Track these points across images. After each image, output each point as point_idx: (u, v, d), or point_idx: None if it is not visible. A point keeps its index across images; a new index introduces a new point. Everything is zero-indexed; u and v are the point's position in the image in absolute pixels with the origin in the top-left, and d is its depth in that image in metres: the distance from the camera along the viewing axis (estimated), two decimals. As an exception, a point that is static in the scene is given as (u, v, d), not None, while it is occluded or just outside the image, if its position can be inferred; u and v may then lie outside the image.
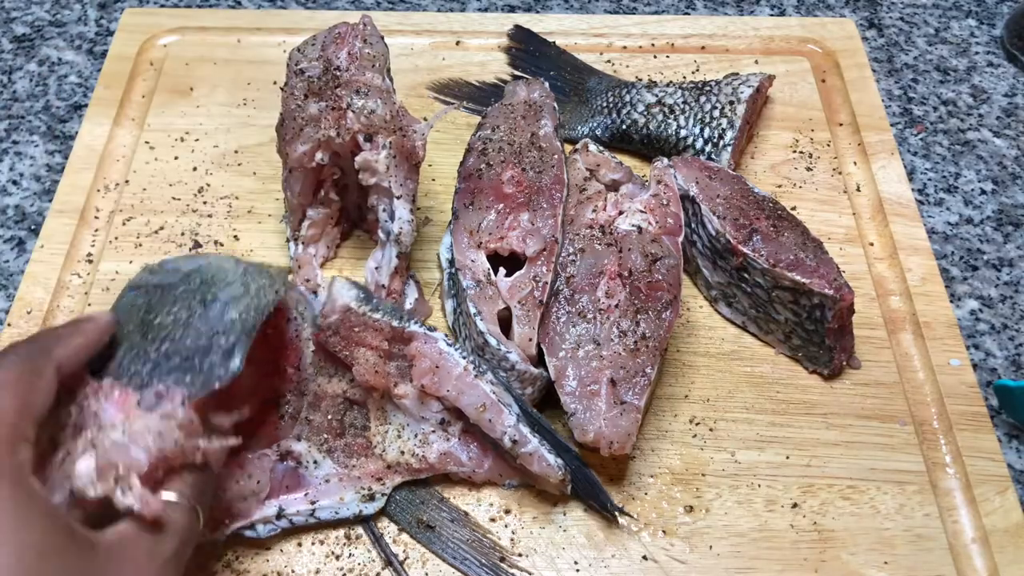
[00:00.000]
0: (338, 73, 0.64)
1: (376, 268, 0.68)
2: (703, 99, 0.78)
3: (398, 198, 0.65)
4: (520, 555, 0.58)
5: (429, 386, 0.58)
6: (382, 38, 0.67)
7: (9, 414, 0.41)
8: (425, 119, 0.65)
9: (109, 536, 0.43)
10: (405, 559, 0.58)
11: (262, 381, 0.59)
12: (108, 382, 0.48)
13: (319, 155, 0.65)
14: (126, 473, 0.45)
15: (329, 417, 0.60)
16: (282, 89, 0.67)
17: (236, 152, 0.80)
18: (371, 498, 0.58)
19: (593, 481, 0.59)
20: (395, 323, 0.58)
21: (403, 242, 0.66)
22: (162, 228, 0.75)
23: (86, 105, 0.84)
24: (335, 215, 0.72)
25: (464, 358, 0.58)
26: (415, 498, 0.60)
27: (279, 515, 0.57)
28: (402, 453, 0.59)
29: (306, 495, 0.58)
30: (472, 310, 0.62)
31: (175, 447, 0.46)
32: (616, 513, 0.59)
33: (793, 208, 0.75)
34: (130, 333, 0.51)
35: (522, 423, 0.57)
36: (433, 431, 0.59)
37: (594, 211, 0.67)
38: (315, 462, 0.59)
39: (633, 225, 0.65)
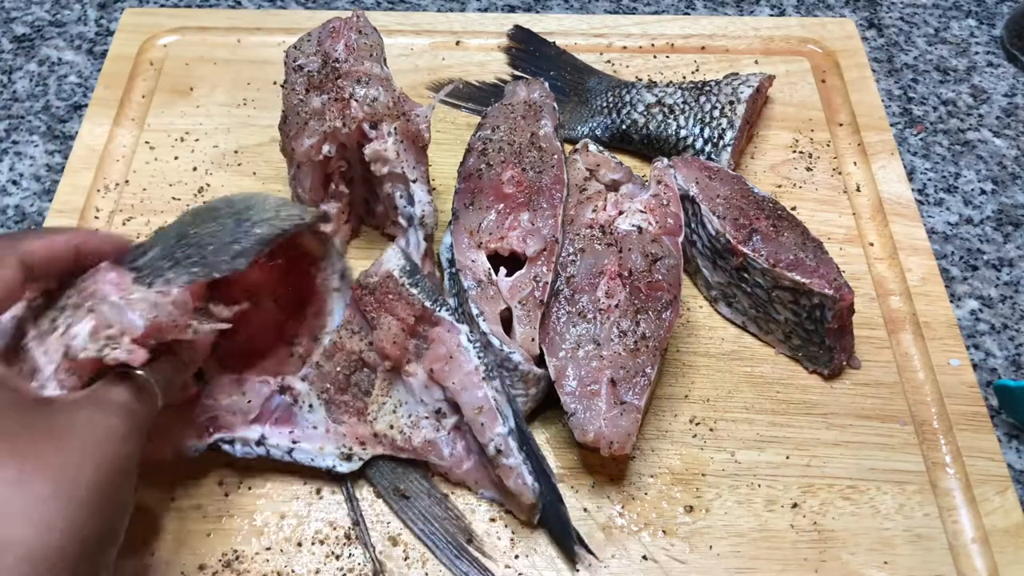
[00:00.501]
0: (337, 65, 0.65)
1: None
2: (703, 99, 0.78)
3: (414, 182, 0.66)
4: (519, 555, 0.58)
5: (437, 372, 0.59)
6: (375, 29, 0.68)
7: None
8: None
9: (67, 396, 0.45)
10: (405, 558, 0.58)
11: (284, 320, 0.62)
12: (105, 265, 0.50)
13: (326, 147, 0.66)
14: (119, 334, 0.47)
15: (339, 370, 0.61)
16: (282, 87, 0.67)
17: (236, 152, 0.81)
18: (348, 458, 0.60)
19: (564, 519, 0.58)
20: (427, 303, 0.60)
21: (427, 223, 0.67)
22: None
23: (86, 105, 0.84)
24: (346, 209, 0.72)
25: (479, 358, 0.58)
26: (398, 467, 0.61)
27: (259, 441, 0.59)
28: (391, 427, 0.60)
29: (291, 432, 0.60)
30: (475, 311, 0.62)
31: (168, 318, 0.49)
32: (574, 559, 0.57)
33: (793, 208, 0.75)
34: (168, 238, 0.54)
35: (512, 438, 0.57)
36: (427, 417, 0.60)
37: (594, 211, 0.67)
38: (310, 406, 0.60)
39: (633, 225, 0.65)
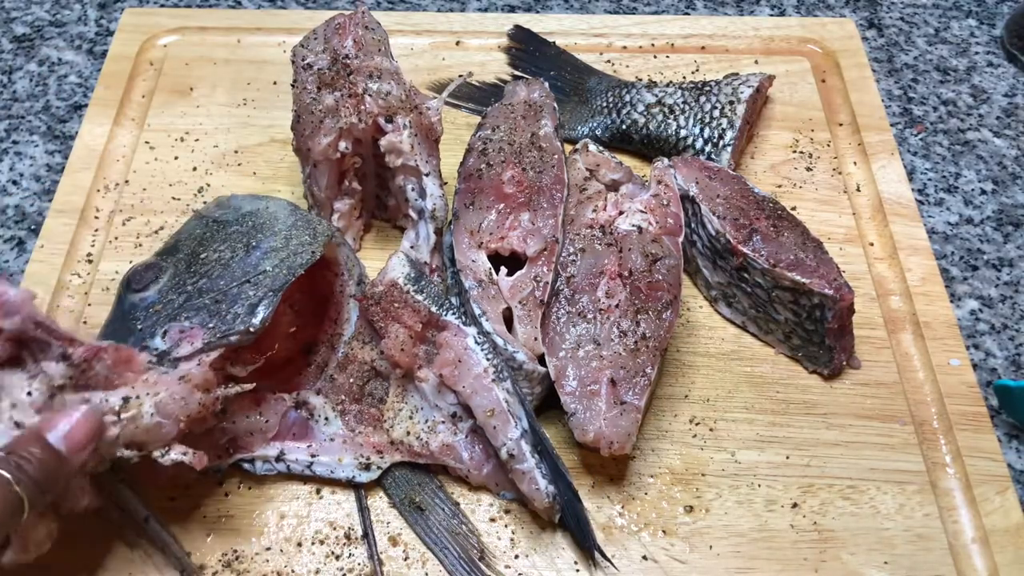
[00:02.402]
0: (348, 61, 0.66)
1: (412, 247, 0.69)
2: (703, 99, 0.78)
3: (427, 175, 0.67)
4: (519, 555, 0.58)
5: (448, 377, 0.59)
6: (380, 23, 0.68)
7: None
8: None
9: None
10: (405, 558, 0.58)
11: (301, 326, 0.62)
12: (110, 346, 0.50)
13: (342, 144, 0.66)
14: (158, 443, 0.49)
15: (352, 380, 0.61)
16: (292, 86, 0.67)
17: (236, 152, 0.80)
18: (367, 468, 0.60)
19: (582, 518, 0.57)
20: (434, 309, 0.60)
21: (438, 216, 0.68)
22: (162, 228, 0.75)
23: (86, 105, 0.84)
24: (358, 205, 0.73)
25: (488, 359, 0.58)
26: (414, 479, 0.61)
27: (279, 458, 0.60)
28: (407, 433, 0.60)
29: (309, 447, 0.60)
30: (477, 311, 0.62)
31: (198, 407, 0.51)
32: (596, 554, 0.57)
33: (793, 208, 0.75)
34: (179, 261, 0.54)
35: (525, 440, 0.57)
36: (443, 421, 0.60)
37: (594, 211, 0.67)
38: (326, 419, 0.61)
39: (633, 225, 0.65)
